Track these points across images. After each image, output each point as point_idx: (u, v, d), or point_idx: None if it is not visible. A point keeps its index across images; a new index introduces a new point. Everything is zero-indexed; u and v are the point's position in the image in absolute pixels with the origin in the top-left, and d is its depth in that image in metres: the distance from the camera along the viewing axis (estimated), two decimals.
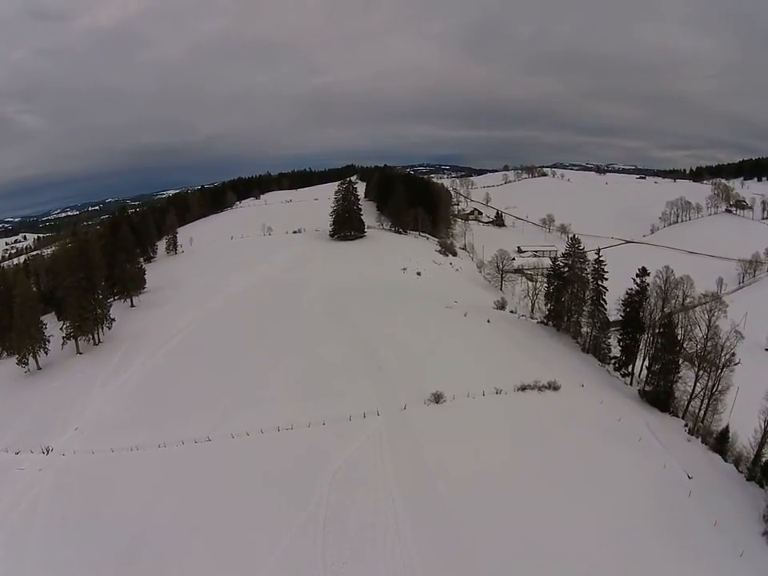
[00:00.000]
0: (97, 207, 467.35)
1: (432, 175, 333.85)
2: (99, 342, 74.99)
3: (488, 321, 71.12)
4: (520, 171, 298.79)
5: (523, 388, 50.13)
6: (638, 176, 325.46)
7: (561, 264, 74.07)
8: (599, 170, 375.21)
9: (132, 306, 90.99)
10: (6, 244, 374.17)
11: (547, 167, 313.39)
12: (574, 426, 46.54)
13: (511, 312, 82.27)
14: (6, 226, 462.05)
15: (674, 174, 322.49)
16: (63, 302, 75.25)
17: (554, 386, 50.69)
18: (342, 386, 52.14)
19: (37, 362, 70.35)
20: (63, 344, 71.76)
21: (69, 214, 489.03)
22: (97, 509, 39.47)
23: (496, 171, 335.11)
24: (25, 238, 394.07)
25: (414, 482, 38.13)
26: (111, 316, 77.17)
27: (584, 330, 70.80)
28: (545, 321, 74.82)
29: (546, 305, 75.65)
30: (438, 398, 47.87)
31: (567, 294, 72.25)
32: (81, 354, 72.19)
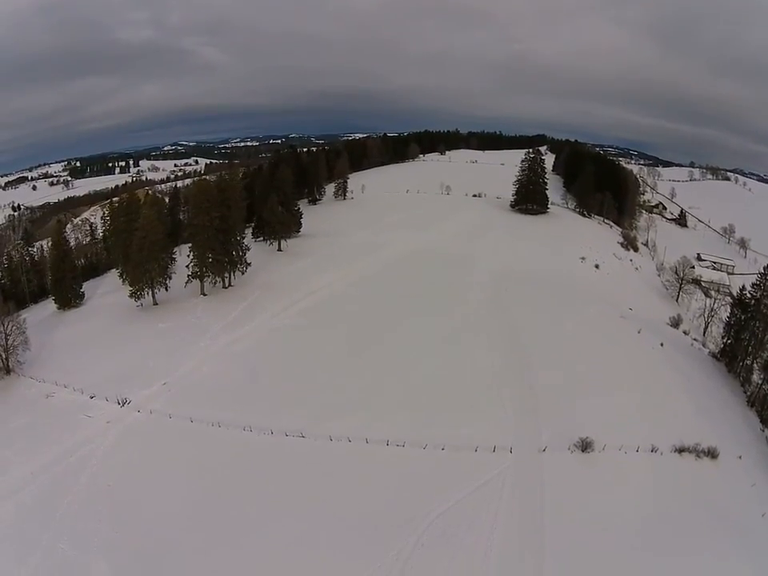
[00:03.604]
0: (279, 141, 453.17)
1: (620, 159, 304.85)
2: (230, 285, 70.96)
3: (661, 344, 58.85)
4: (705, 171, 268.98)
5: (681, 450, 40.82)
6: None
7: (748, 295, 59.80)
8: None
9: (279, 249, 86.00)
10: (175, 166, 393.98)
11: (730, 171, 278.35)
12: (717, 522, 34.87)
13: (684, 333, 69.75)
14: (179, 149, 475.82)
15: None
16: (192, 239, 70.33)
17: (713, 454, 41.05)
18: (478, 402, 44.01)
19: (153, 298, 68.03)
20: (187, 282, 67.74)
21: (248, 144, 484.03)
22: (149, 486, 36.23)
23: (682, 166, 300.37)
24: (196, 162, 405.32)
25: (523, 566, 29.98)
26: (248, 260, 72.23)
27: (754, 377, 57.52)
28: (717, 356, 62.19)
29: (722, 337, 62.87)
30: (585, 446, 39.19)
31: (749, 332, 58.77)
32: (205, 295, 68.33)
